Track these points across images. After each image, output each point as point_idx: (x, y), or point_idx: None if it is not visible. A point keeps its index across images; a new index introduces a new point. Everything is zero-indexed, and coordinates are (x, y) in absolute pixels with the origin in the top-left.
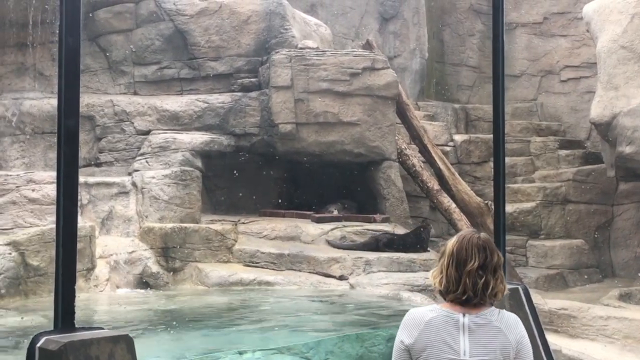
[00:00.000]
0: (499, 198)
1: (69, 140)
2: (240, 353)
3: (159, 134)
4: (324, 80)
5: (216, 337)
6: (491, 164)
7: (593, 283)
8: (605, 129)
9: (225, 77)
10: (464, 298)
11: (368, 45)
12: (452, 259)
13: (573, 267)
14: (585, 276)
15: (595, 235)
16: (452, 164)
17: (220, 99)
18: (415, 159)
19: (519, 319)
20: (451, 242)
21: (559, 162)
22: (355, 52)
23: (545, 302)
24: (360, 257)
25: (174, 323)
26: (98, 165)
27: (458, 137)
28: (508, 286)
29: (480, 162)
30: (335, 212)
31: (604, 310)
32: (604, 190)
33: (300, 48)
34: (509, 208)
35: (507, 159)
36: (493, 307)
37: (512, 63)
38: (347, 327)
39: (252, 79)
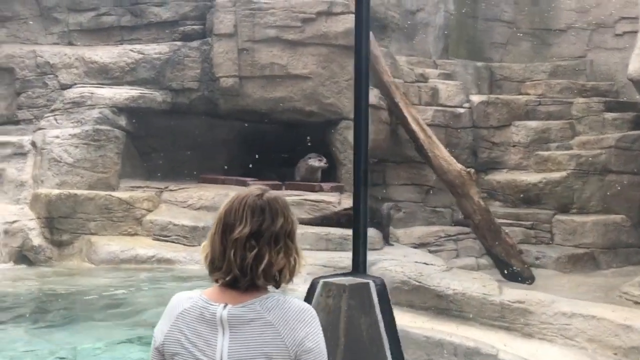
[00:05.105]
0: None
1: None
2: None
3: (76, 88)
4: (272, 27)
5: (45, 333)
6: (512, 127)
7: (631, 265)
8: None
9: (170, 25)
10: (228, 278)
11: None
12: (219, 225)
13: (608, 247)
14: (623, 257)
15: None
16: (466, 128)
17: (157, 50)
18: None
19: (309, 310)
20: (223, 204)
21: (604, 126)
22: None
23: (501, 291)
24: None
25: (23, 309)
26: (15, 123)
27: (475, 98)
28: (356, 280)
29: (499, 126)
30: (322, 163)
31: (570, 305)
32: None
33: None
34: (535, 178)
35: (539, 123)
36: (270, 293)
37: (557, 15)
38: None
39: (195, 27)
